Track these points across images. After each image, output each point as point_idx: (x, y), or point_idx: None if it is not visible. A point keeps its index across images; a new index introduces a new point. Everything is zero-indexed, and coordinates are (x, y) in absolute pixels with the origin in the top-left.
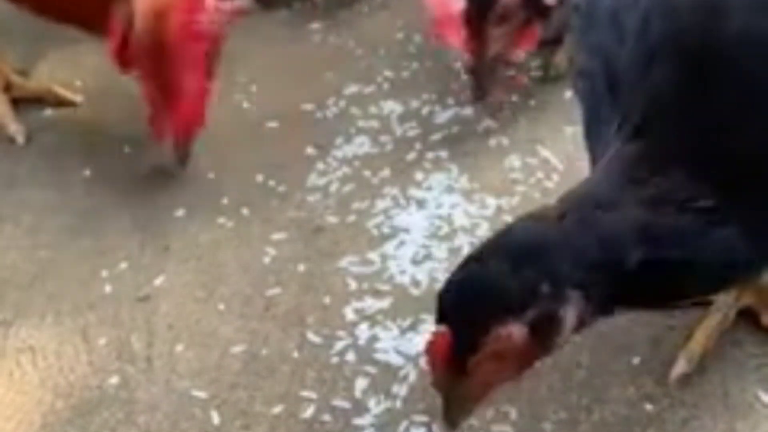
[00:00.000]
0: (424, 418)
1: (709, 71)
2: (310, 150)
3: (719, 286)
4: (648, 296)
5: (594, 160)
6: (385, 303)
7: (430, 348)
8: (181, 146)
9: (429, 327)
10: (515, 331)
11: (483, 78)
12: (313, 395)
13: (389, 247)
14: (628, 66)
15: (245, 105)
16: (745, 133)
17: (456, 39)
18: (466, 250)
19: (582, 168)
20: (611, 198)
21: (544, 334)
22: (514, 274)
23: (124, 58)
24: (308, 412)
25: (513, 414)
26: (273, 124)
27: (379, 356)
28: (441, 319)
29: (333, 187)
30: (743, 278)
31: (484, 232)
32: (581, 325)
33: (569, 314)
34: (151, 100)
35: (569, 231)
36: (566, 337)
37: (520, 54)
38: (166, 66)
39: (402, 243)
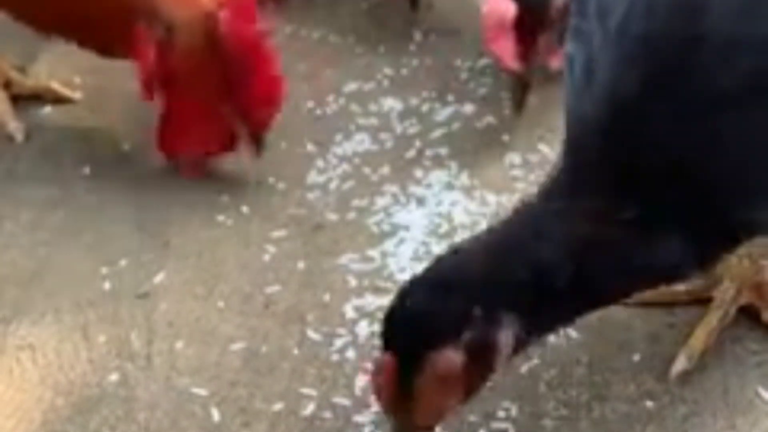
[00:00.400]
0: None
1: (677, 75)
2: (309, 147)
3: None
4: (579, 308)
5: (570, 141)
6: (385, 300)
7: (375, 374)
8: (256, 137)
9: None
10: (451, 355)
11: (527, 86)
12: (313, 392)
13: (389, 245)
14: (604, 59)
15: None
16: (694, 139)
17: (506, 46)
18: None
19: None
20: (542, 219)
21: (481, 358)
22: (444, 301)
23: (159, 77)
24: (308, 409)
25: (512, 411)
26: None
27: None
28: (384, 346)
29: (333, 185)
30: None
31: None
32: (520, 346)
33: (504, 336)
34: (188, 112)
35: (496, 256)
36: (504, 360)
37: (556, 62)
38: (225, 66)
39: (402, 240)
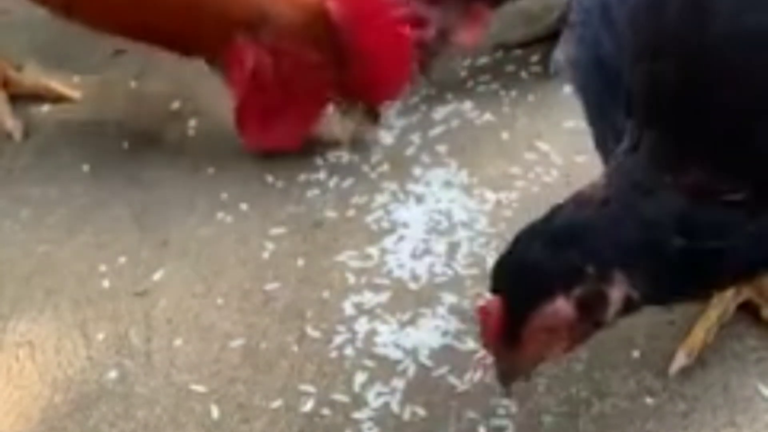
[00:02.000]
0: (423, 412)
1: (703, 69)
2: (308, 145)
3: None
4: (689, 285)
5: (603, 150)
6: (384, 297)
7: (483, 316)
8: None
9: (428, 321)
10: (562, 307)
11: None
12: (312, 389)
13: (388, 242)
14: (623, 61)
15: None
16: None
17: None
18: (465, 245)
19: (581, 163)
20: (649, 185)
21: (590, 312)
22: (558, 254)
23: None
24: (307, 406)
25: (512, 407)
26: None
27: (378, 350)
28: (494, 291)
29: (332, 182)
30: None
31: (483, 226)
32: (630, 307)
33: (615, 294)
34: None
35: (612, 215)
36: (613, 317)
37: (466, 39)
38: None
39: (401, 238)
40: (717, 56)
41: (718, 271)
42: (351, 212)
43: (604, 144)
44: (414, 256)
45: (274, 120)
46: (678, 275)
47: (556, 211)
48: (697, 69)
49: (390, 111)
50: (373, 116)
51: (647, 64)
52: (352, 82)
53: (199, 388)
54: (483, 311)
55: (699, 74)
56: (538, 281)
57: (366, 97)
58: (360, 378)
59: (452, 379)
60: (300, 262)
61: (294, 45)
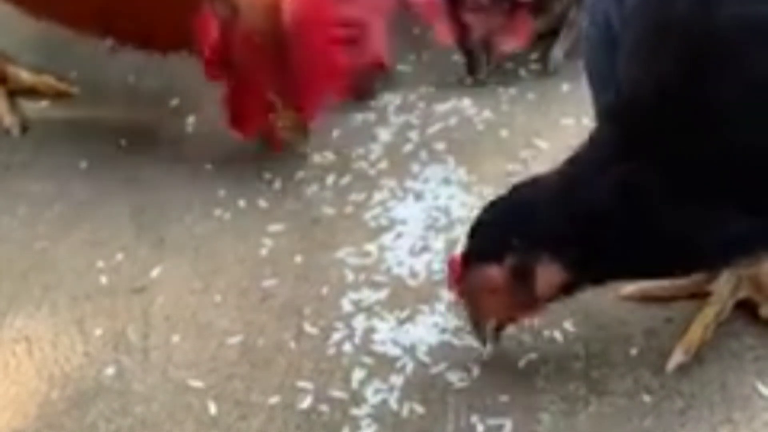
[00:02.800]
0: (421, 409)
1: (703, 57)
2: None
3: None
4: (625, 268)
5: (598, 115)
6: (382, 294)
7: (450, 266)
8: (302, 125)
9: (426, 318)
10: (492, 273)
11: (473, 56)
12: (310, 386)
13: (386, 239)
14: (626, 41)
15: None
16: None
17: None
18: (463, 242)
19: None
20: (592, 174)
21: (523, 283)
22: (499, 226)
23: (221, 61)
24: (305, 402)
25: (509, 405)
26: None
27: (376, 347)
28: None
29: (330, 179)
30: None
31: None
32: (564, 287)
33: (543, 271)
34: (255, 95)
35: (551, 197)
36: (547, 295)
37: (510, 45)
38: (289, 54)
39: (399, 235)
40: (722, 44)
41: (647, 257)
42: (349, 209)
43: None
44: (412, 253)
45: (235, 104)
46: (610, 260)
47: (518, 186)
48: (701, 58)
49: (327, 125)
50: (302, 129)
51: (648, 53)
52: (285, 83)
53: (197, 385)
54: (452, 261)
55: (702, 63)
56: (478, 246)
57: (294, 102)
58: (358, 375)
59: (450, 376)
60: (298, 259)
61: (246, 28)
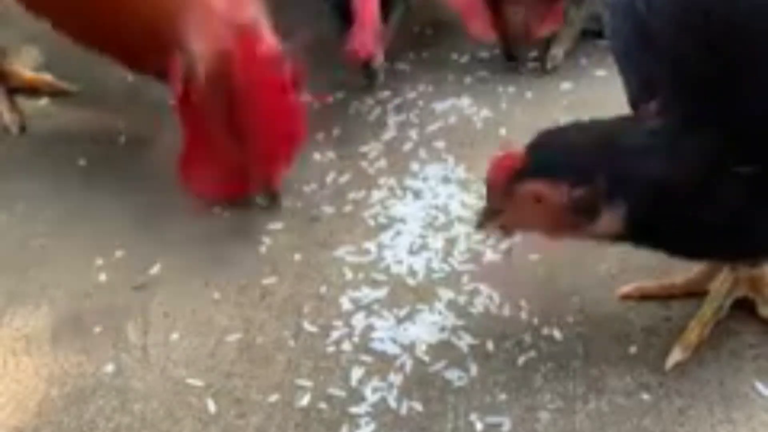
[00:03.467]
0: (420, 407)
1: (726, 42)
2: (306, 140)
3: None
4: (667, 243)
5: (629, 90)
6: (381, 293)
7: (497, 159)
8: (267, 185)
9: (425, 317)
10: (558, 194)
11: (512, 48)
12: (308, 384)
13: (385, 237)
14: (652, 28)
15: None
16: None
17: (480, 23)
18: (462, 241)
19: None
20: (678, 138)
21: (580, 213)
22: (587, 154)
23: (187, 104)
24: (304, 400)
25: (508, 403)
26: None
27: (375, 345)
28: (526, 148)
29: (329, 178)
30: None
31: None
32: (616, 235)
33: (607, 215)
34: (205, 145)
35: (645, 148)
36: (593, 234)
37: (544, 31)
38: (238, 110)
39: (398, 233)
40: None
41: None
42: (348, 207)
43: (629, 86)
44: (411, 251)
45: (195, 157)
46: (658, 231)
47: (625, 117)
48: (724, 42)
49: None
50: (271, 194)
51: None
52: (239, 137)
53: (196, 383)
54: (507, 153)
55: (725, 48)
56: (555, 163)
57: (249, 157)
58: (357, 373)
59: (449, 375)
60: (297, 257)
61: (201, 76)
